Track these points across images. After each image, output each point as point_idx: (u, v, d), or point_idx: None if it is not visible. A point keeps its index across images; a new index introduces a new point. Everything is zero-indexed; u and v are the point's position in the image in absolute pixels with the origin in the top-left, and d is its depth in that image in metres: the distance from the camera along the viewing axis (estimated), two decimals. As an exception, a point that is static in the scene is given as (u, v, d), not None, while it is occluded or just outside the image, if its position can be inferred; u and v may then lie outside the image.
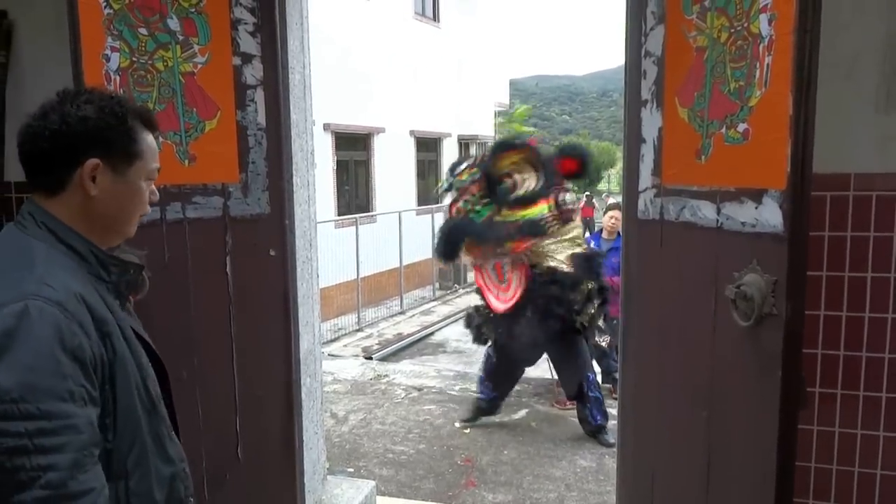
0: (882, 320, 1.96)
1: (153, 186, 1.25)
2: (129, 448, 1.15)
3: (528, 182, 4.38)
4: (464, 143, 15.60)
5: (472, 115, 15.69)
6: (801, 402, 1.98)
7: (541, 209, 4.28)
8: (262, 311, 2.29)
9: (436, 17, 14.38)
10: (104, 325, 1.11)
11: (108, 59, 1.96)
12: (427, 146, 14.19)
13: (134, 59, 2.01)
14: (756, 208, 1.56)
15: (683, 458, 1.89)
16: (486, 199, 4.43)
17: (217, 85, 2.14)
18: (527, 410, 5.02)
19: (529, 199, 4.30)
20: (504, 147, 4.73)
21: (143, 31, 2.02)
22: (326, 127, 10.32)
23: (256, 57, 2.18)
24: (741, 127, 1.60)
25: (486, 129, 16.90)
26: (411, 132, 13.29)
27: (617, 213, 5.25)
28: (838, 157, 1.92)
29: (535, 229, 4.26)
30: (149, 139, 1.22)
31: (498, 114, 19.33)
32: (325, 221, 8.93)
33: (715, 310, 1.70)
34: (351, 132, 11.42)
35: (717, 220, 1.69)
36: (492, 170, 4.47)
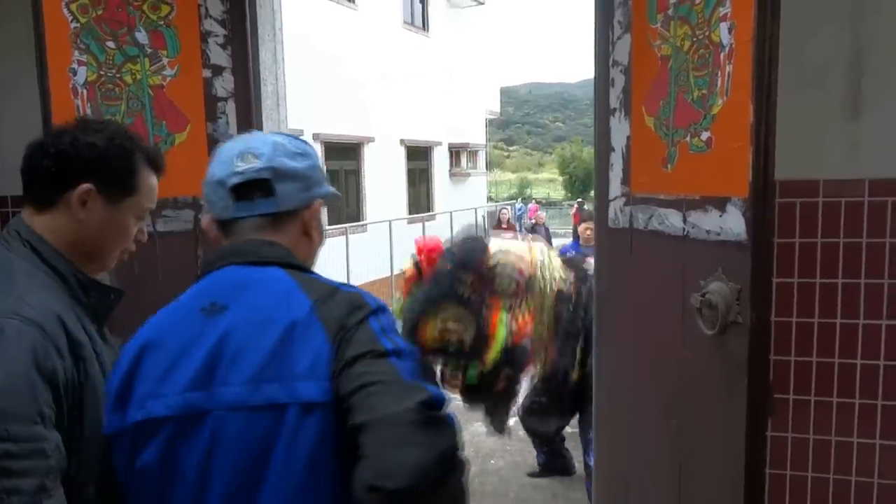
0: (853, 326, 1.96)
1: (143, 226, 1.28)
2: (91, 475, 1.11)
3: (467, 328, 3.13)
4: (454, 152, 15.63)
5: (463, 123, 15.73)
6: (768, 410, 1.98)
7: (500, 330, 3.11)
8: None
9: (425, 26, 14.43)
10: (79, 348, 1.10)
11: (74, 73, 1.95)
12: (417, 155, 14.22)
13: (101, 72, 2.00)
14: (720, 216, 1.57)
15: (655, 467, 1.88)
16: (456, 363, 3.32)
17: (187, 97, 2.13)
18: (514, 420, 5.00)
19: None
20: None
21: (110, 44, 2.01)
22: (316, 137, 10.33)
23: (227, 69, 2.17)
24: (704, 135, 1.60)
25: (477, 138, 16.93)
26: (401, 141, 13.32)
27: (591, 224, 5.19)
28: (807, 163, 1.92)
29: (519, 358, 3.26)
30: (150, 180, 1.25)
31: (489, 122, 19.38)
32: (314, 231, 8.91)
33: (682, 318, 1.70)
34: (341, 142, 11.44)
35: (684, 229, 1.69)
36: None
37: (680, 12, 1.66)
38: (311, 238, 1.16)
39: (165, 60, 2.09)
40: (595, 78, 2.02)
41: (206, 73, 2.15)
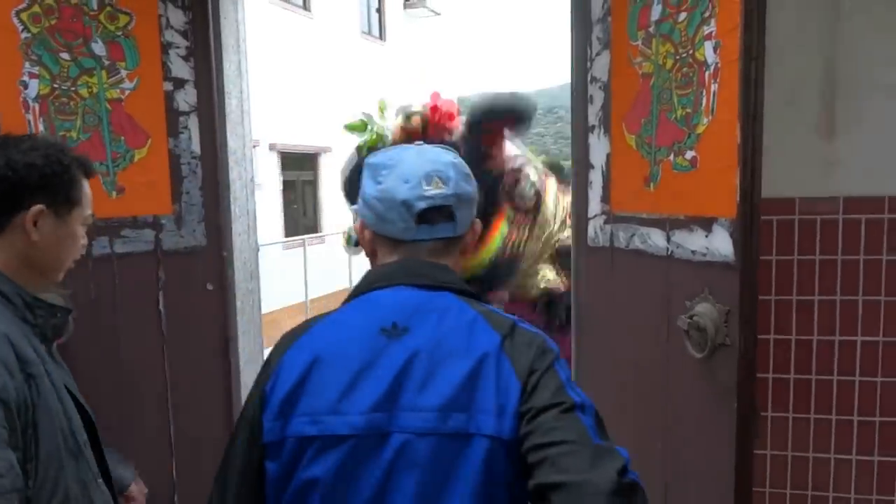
0: (829, 343, 1.97)
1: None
2: (51, 495, 1.10)
3: None
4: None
5: (421, 133, 15.68)
6: (755, 434, 1.97)
7: (496, 239, 3.04)
8: (200, 348, 2.16)
9: (382, 36, 14.36)
10: (29, 366, 1.08)
11: (25, 87, 1.83)
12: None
13: (55, 85, 1.88)
14: (706, 237, 1.54)
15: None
16: None
17: (147, 112, 2.02)
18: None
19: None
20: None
21: (65, 55, 1.89)
22: (272, 147, 10.14)
23: (189, 82, 2.08)
24: (689, 154, 1.58)
25: (435, 147, 16.92)
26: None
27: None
28: (784, 181, 1.93)
29: (501, 274, 3.16)
30: (86, 187, 1.27)
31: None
32: (271, 244, 8.74)
33: (668, 339, 1.67)
34: (297, 152, 11.26)
35: (668, 248, 1.67)
36: None
37: (662, 30, 1.64)
38: (466, 253, 1.17)
39: (124, 73, 1.98)
40: (572, 94, 2.00)
41: (168, 86, 2.05)
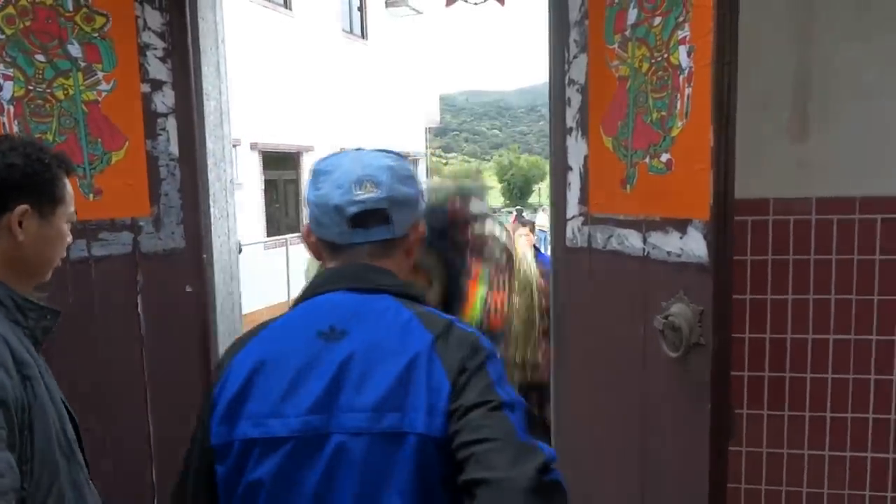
0: (803, 341, 2.01)
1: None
2: (46, 496, 1.10)
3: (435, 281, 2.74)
4: (395, 160, 15.54)
5: (403, 131, 15.68)
6: (730, 433, 2.00)
7: (476, 305, 2.65)
8: (179, 351, 2.15)
9: (363, 34, 14.33)
10: (25, 367, 1.09)
11: (0, 89, 1.81)
12: (358, 164, 14.05)
13: (30, 87, 1.86)
14: (681, 238, 1.57)
15: (617, 489, 1.87)
16: None
17: (124, 114, 2.01)
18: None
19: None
20: None
21: (40, 57, 1.87)
22: (254, 146, 10.09)
23: (167, 84, 2.07)
24: (664, 157, 1.60)
25: (417, 146, 16.91)
26: (341, 150, 13.14)
27: (524, 231, 5.06)
28: (758, 183, 1.96)
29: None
30: (69, 184, 1.27)
31: (429, 130, 19.40)
32: (253, 243, 8.68)
33: (644, 339, 1.70)
34: (279, 151, 11.20)
35: (644, 249, 1.69)
36: None
37: (638, 34, 1.66)
38: (411, 255, 1.19)
39: (100, 75, 1.96)
40: (550, 96, 2.01)
41: (145, 88, 2.04)
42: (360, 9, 14.30)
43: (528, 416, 1.00)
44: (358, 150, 1.18)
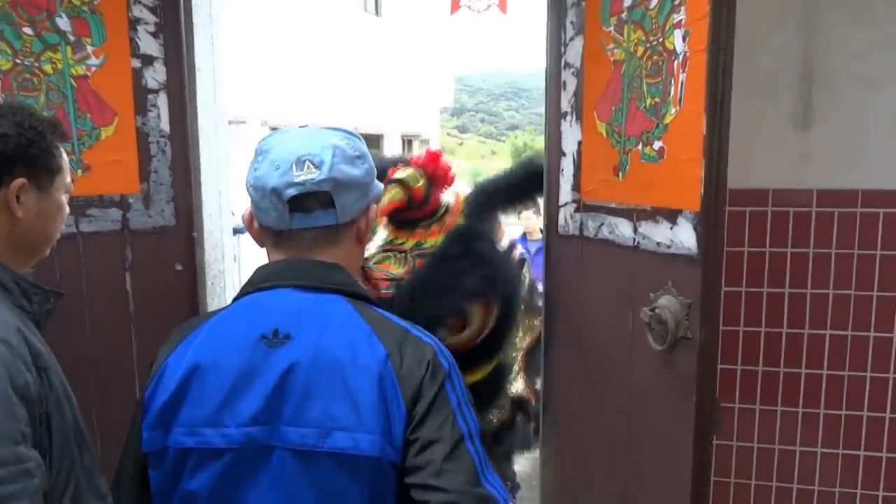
0: (798, 336, 1.96)
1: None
2: (64, 489, 1.07)
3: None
4: (407, 141, 15.48)
5: (416, 111, 15.58)
6: (715, 423, 1.97)
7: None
8: (168, 329, 2.14)
9: (377, 11, 14.19)
10: (40, 359, 1.05)
11: (-14, 61, 1.79)
12: (369, 143, 13.88)
13: (17, 60, 1.84)
14: (671, 229, 1.53)
15: (603, 480, 1.85)
16: None
17: (114, 89, 1.98)
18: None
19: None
20: None
21: (27, 30, 1.85)
22: (264, 123, 10.06)
23: (159, 59, 2.03)
24: (657, 145, 1.55)
25: (431, 126, 16.81)
26: (354, 129, 13.08)
27: (528, 214, 5.04)
28: (758, 172, 1.91)
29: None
30: (64, 152, 1.18)
31: (444, 110, 19.27)
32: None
33: (632, 331, 1.66)
34: (290, 128, 11.16)
35: (634, 239, 1.65)
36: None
37: (634, 16, 1.60)
38: (362, 242, 1.10)
39: (90, 49, 1.93)
40: (546, 80, 1.96)
41: (136, 63, 2.01)
42: (375, -15, 14.16)
43: (483, 439, 0.96)
44: (303, 126, 1.10)
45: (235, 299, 1.04)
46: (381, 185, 1.15)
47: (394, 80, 14.23)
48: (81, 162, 1.96)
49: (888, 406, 1.94)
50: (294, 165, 0.99)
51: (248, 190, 1.04)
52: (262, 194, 1.01)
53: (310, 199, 1.00)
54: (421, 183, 2.28)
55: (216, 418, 0.92)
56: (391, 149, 14.51)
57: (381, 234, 2.39)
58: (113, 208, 2.02)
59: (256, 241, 1.10)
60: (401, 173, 2.32)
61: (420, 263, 2.21)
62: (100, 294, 2.03)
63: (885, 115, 1.83)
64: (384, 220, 2.35)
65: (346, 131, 1.09)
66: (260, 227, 1.06)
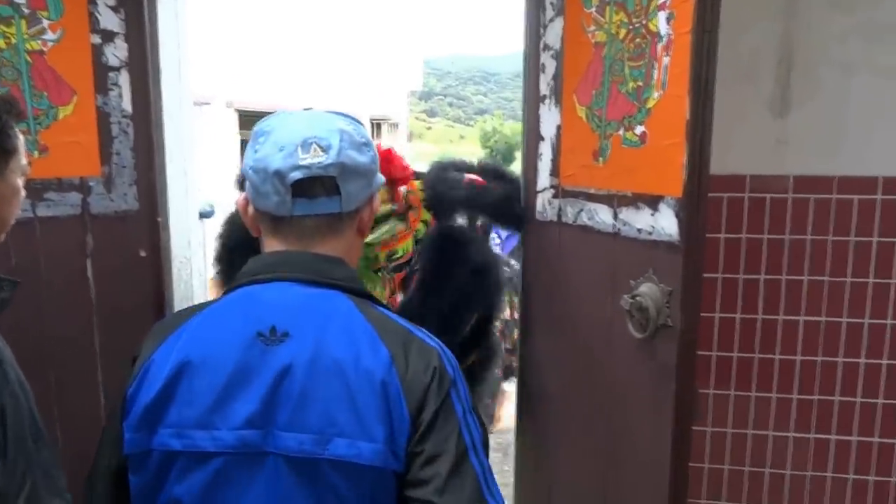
0: (773, 322, 1.97)
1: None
2: (21, 486, 1.01)
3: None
4: (375, 124, 15.32)
5: (384, 94, 15.41)
6: (694, 410, 1.98)
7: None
8: (133, 318, 2.06)
9: (346, -7, 13.96)
10: None
11: (-68, 34, 1.68)
12: (337, 126, 13.82)
13: (-33, 33, 1.73)
14: (652, 215, 1.50)
15: (581, 469, 1.83)
16: None
17: (73, 66, 1.88)
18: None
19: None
20: None
21: (-23, 1, 1.74)
22: (230, 105, 9.84)
23: (120, 35, 1.93)
24: (639, 129, 1.53)
25: (399, 110, 16.66)
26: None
27: None
28: (736, 158, 1.90)
29: None
30: (19, 133, 1.11)
31: (412, 93, 19.12)
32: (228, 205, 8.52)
33: (612, 318, 1.64)
34: (258, 110, 10.94)
35: (614, 226, 1.62)
36: None
37: (616, -3, 1.57)
38: (364, 234, 1.05)
39: (46, 23, 1.83)
40: (524, 62, 1.92)
41: (95, 39, 1.90)
42: (343, -35, 13.90)
43: (486, 446, 0.94)
44: (307, 109, 1.04)
45: (227, 291, 0.99)
46: (383, 177, 1.10)
47: (361, 63, 14.04)
48: (38, 143, 1.87)
49: (859, 391, 1.96)
50: (300, 148, 0.93)
51: (246, 172, 0.98)
52: (263, 177, 0.94)
53: (315, 185, 0.94)
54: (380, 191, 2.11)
55: (207, 420, 0.87)
56: (360, 132, 14.34)
57: None
58: (72, 192, 1.93)
59: (251, 229, 1.04)
60: None
61: (403, 278, 2.06)
62: (59, 282, 1.94)
63: (861, 101, 1.83)
64: None
65: (351, 117, 1.04)
66: (256, 213, 1.00)
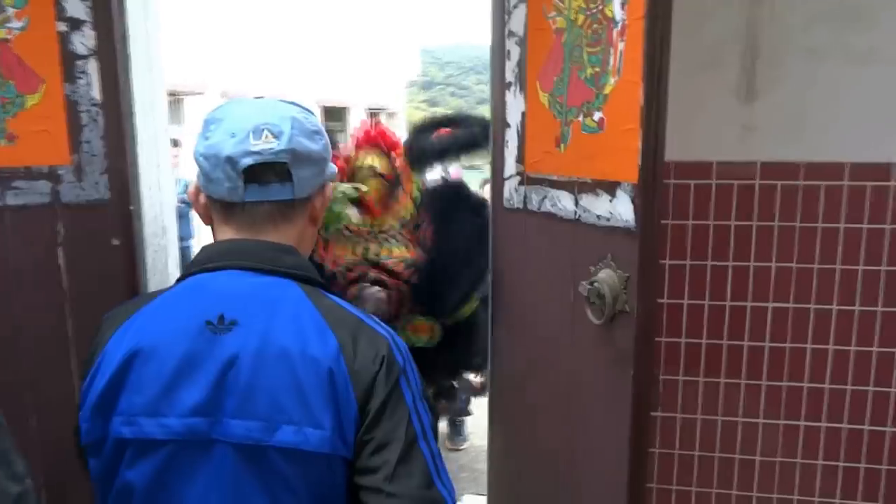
0: (741, 308, 1.97)
1: None
2: None
3: None
4: (372, 114, 15.28)
5: (382, 84, 15.37)
6: (654, 395, 1.98)
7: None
8: (106, 306, 2.06)
9: (343, -19, 13.88)
10: None
11: None
12: (334, 116, 13.81)
13: (-70, 22, 1.74)
14: (610, 201, 1.51)
15: (544, 456, 1.85)
16: None
17: (39, 54, 1.89)
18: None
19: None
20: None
21: (-60, -11, 1.74)
22: (224, 94, 9.83)
23: (87, 23, 1.93)
24: (597, 116, 1.53)
25: (397, 100, 16.61)
26: (317, 102, 12.88)
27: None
28: (702, 145, 1.90)
29: None
30: None
31: (412, 83, 19.06)
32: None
33: (573, 305, 1.65)
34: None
35: (576, 212, 1.63)
36: None
37: (575, -17, 1.56)
38: (316, 223, 1.06)
39: (11, 11, 1.83)
40: (491, 49, 1.92)
41: (62, 27, 1.91)
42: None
43: (435, 431, 0.95)
44: (258, 97, 1.05)
45: (179, 280, 1.00)
46: (335, 167, 1.11)
47: (359, 52, 13.99)
48: (6, 131, 1.88)
49: (827, 377, 1.96)
50: (251, 134, 0.94)
51: (196, 160, 0.98)
52: (214, 163, 0.95)
53: (266, 171, 0.95)
54: (387, 163, 2.57)
55: (155, 408, 0.88)
56: (357, 121, 14.32)
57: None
58: (41, 180, 1.94)
59: (202, 217, 1.04)
60: (370, 161, 2.49)
61: (425, 235, 2.46)
62: (30, 271, 1.96)
63: (827, 86, 1.83)
64: (354, 210, 2.52)
65: (301, 106, 1.05)
66: (208, 201, 1.01)
